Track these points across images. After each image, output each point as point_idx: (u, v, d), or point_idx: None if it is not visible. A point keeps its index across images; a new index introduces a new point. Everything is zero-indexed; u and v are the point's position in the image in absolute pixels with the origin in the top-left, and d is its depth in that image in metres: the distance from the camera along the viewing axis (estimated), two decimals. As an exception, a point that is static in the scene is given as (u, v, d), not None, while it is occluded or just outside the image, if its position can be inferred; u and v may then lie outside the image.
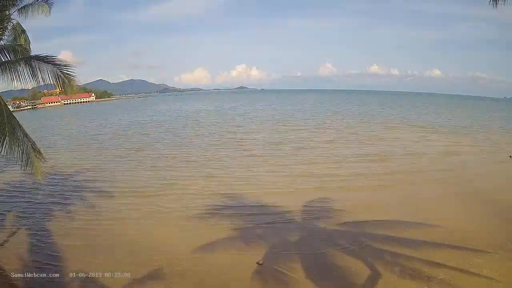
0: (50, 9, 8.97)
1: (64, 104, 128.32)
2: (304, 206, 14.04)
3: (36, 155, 8.28)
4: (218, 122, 47.66)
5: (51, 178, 18.73)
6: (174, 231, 12.31)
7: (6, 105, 8.00)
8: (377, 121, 45.93)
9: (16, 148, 7.81)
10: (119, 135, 38.22)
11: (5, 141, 7.59)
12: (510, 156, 23.34)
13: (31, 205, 15.23)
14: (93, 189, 17.34)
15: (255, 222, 12.83)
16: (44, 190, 17.02)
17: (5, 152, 7.76)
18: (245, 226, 12.42)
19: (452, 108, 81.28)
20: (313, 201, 14.69)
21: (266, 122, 45.53)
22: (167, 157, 24.89)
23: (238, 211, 14.05)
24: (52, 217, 13.83)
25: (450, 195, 15.48)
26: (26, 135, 8.18)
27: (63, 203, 15.46)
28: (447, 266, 9.11)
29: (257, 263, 9.77)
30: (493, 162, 22.42)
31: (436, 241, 10.56)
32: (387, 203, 14.53)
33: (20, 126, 8.10)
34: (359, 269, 9.24)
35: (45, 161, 8.89)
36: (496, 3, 10.62)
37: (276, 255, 10.25)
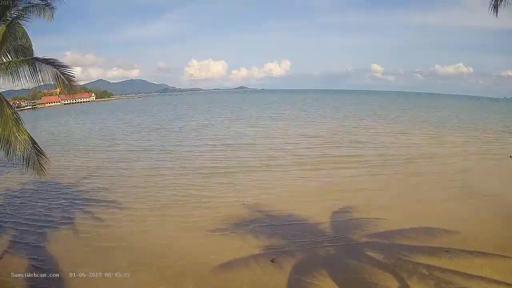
0: (53, 15, 8.99)
1: (64, 104, 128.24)
2: (329, 216, 12.97)
3: (38, 155, 8.30)
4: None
5: (52, 180, 18.75)
6: (176, 232, 12.36)
7: (9, 105, 8.04)
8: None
9: (19, 148, 7.83)
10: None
11: (9, 141, 7.61)
12: (510, 156, 23.38)
13: (32, 206, 15.29)
14: (98, 191, 17.41)
15: (278, 233, 11.88)
16: (45, 191, 17.06)
17: (9, 152, 7.79)
18: (267, 237, 11.45)
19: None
20: (336, 209, 13.64)
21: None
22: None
23: (258, 220, 13.06)
24: (54, 218, 13.87)
25: (457, 198, 15.25)
26: (28, 134, 8.20)
27: (65, 204, 15.52)
28: (474, 276, 8.71)
29: (271, 260, 9.77)
30: (495, 163, 22.51)
31: (459, 249, 10.09)
32: (400, 210, 13.88)
33: (22, 125, 8.13)
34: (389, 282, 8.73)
35: (48, 160, 8.90)
36: (497, 11, 10.64)
37: (303, 268, 9.58)
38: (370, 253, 10.17)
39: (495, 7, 10.89)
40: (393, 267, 9.37)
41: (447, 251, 10.01)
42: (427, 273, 8.92)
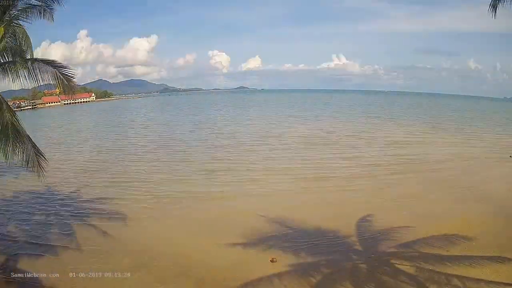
0: (53, 16, 9.01)
1: (64, 104, 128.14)
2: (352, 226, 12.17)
3: (37, 155, 8.32)
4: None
5: (52, 180, 18.71)
6: (177, 233, 12.35)
7: (8, 105, 8.04)
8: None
9: (19, 149, 7.85)
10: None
11: (8, 142, 7.61)
12: (510, 156, 23.36)
13: (31, 206, 15.32)
14: (100, 186, 17.40)
15: (296, 243, 11.18)
16: (45, 191, 17.05)
17: (8, 153, 7.78)
18: (283, 249, 10.63)
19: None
20: (352, 217, 12.81)
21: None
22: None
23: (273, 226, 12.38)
24: (53, 218, 13.88)
25: (460, 200, 14.98)
26: (27, 135, 8.22)
27: (64, 204, 15.53)
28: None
29: (271, 260, 9.73)
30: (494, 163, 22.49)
31: (473, 255, 9.70)
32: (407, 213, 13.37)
33: (22, 126, 8.14)
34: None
35: (47, 161, 8.92)
36: (495, 11, 10.60)
37: (329, 280, 9.06)
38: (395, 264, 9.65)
39: (494, 7, 10.85)
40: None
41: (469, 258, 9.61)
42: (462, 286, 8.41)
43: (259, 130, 38.49)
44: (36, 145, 8.51)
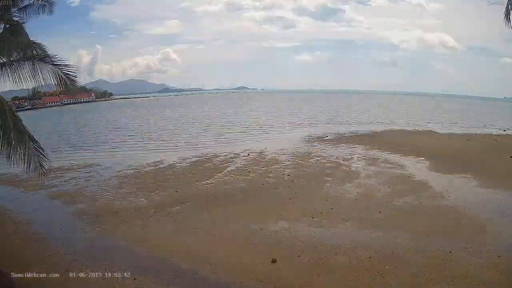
0: (52, 8, 8.95)
1: (64, 104, 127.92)
2: None
3: (38, 155, 8.30)
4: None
5: (53, 178, 18.65)
6: (177, 233, 12.29)
7: (8, 105, 7.99)
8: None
9: (19, 148, 7.80)
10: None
11: (8, 141, 7.57)
12: (511, 157, 23.23)
13: (31, 203, 15.26)
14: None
15: None
16: (45, 189, 17.01)
17: (9, 152, 7.73)
18: None
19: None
20: None
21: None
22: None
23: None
24: (54, 216, 13.83)
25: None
26: (28, 134, 8.19)
27: (65, 203, 15.46)
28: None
29: (272, 261, 9.71)
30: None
31: None
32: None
33: (23, 125, 8.12)
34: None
35: (49, 160, 8.89)
36: (510, 20, 10.36)
37: None
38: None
39: (507, 16, 10.59)
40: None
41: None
42: None
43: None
44: (36, 145, 8.47)
